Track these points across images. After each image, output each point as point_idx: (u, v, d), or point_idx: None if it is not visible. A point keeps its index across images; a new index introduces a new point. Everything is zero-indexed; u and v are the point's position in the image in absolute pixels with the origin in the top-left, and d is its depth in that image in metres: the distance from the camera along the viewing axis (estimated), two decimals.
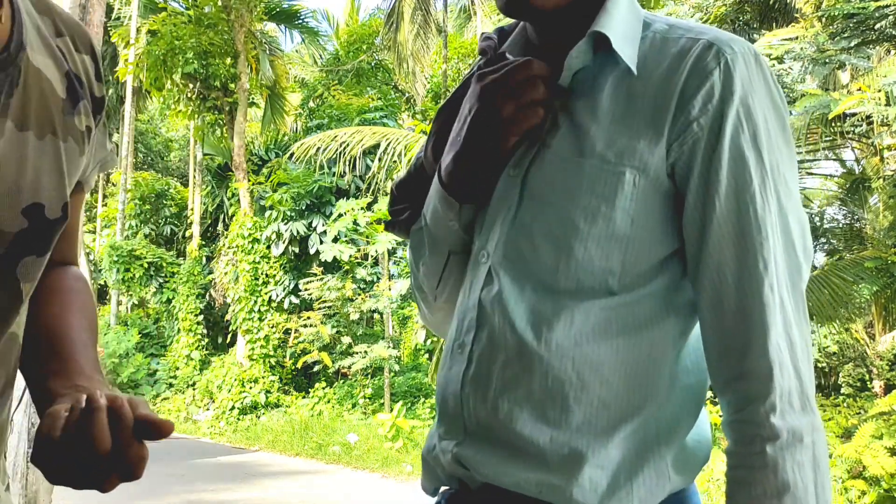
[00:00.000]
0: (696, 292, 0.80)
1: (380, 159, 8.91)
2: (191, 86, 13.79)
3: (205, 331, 14.50)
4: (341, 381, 12.00)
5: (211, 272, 14.99)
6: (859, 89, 6.22)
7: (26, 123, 0.77)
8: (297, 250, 12.11)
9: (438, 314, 1.02)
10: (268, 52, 14.76)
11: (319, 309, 11.22)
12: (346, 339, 10.90)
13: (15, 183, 0.76)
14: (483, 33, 0.97)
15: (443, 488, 0.93)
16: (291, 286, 12.10)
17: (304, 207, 11.94)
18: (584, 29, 0.83)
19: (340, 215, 11.31)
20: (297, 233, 11.82)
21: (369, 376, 11.22)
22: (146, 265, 15.05)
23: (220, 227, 16.05)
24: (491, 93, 0.82)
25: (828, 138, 7.20)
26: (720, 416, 0.80)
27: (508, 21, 0.97)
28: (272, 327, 12.32)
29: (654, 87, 0.78)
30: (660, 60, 0.80)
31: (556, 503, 0.77)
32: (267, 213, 12.20)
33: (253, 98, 15.12)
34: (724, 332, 0.77)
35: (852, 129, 6.57)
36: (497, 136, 0.83)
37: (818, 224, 10.87)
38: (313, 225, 11.92)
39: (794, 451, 0.72)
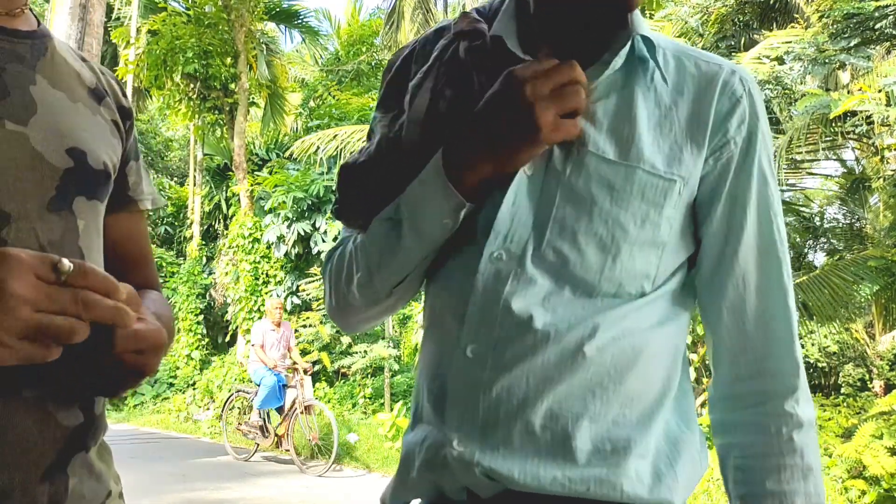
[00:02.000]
0: (712, 295, 0.85)
1: None
2: (191, 85, 13.78)
3: (205, 331, 14.50)
4: (341, 381, 12.00)
5: (211, 272, 14.98)
6: (860, 89, 6.22)
7: (58, 85, 0.87)
8: (298, 251, 12.10)
9: (375, 310, 0.93)
10: (265, 52, 14.75)
11: (319, 309, 11.21)
12: (346, 339, 10.90)
13: (54, 123, 0.84)
14: (465, 12, 0.90)
15: (415, 501, 0.89)
16: (293, 287, 12.09)
17: (305, 208, 11.92)
18: (594, 28, 0.84)
19: None
20: (303, 232, 11.80)
21: (369, 376, 11.21)
22: None
23: (219, 227, 16.04)
24: (529, 95, 0.75)
25: (828, 138, 7.19)
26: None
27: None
28: None
29: (687, 102, 0.83)
30: (681, 76, 0.85)
31: (606, 498, 0.77)
32: (267, 219, 12.18)
33: (253, 98, 15.11)
34: (744, 333, 0.84)
35: (853, 129, 6.57)
36: (529, 144, 0.76)
37: (818, 224, 10.87)
38: (317, 225, 11.90)
39: (811, 437, 0.82)
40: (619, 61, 0.81)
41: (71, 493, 0.82)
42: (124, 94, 0.99)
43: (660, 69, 0.83)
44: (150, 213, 17.31)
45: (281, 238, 12.01)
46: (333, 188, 12.08)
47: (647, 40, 0.83)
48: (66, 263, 0.66)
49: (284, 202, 11.76)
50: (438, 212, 0.82)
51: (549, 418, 0.78)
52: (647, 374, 0.81)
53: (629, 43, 0.82)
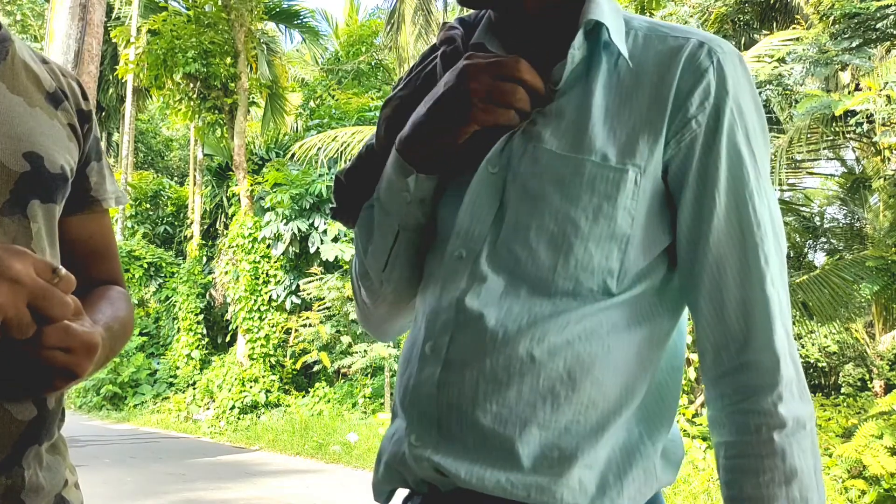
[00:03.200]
0: (690, 287, 0.79)
1: None
2: (191, 85, 13.79)
3: (205, 330, 14.51)
4: (341, 381, 12.01)
5: (211, 272, 14.99)
6: (857, 87, 6.22)
7: (16, 90, 0.89)
8: (297, 250, 12.11)
9: (382, 308, 0.97)
10: (265, 51, 14.75)
11: (319, 309, 11.22)
12: (346, 339, 10.91)
13: (11, 128, 0.86)
14: (445, 23, 0.94)
15: (400, 491, 0.89)
16: (293, 286, 12.10)
17: (304, 207, 11.93)
18: (560, 22, 0.83)
19: None
20: (298, 231, 11.80)
21: (369, 376, 11.22)
22: (146, 265, 15.06)
23: (220, 226, 16.06)
24: (471, 76, 0.79)
25: (828, 138, 7.20)
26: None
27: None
28: (272, 327, 12.33)
29: (647, 84, 0.78)
30: (647, 58, 0.79)
31: None
32: (266, 216, 12.19)
33: (253, 98, 15.11)
34: (723, 325, 0.77)
35: (853, 128, 6.57)
36: (460, 119, 0.79)
37: (818, 224, 10.88)
38: (315, 224, 11.91)
39: (799, 438, 0.74)
40: (577, 54, 0.79)
41: (27, 484, 0.84)
42: (85, 98, 1.02)
43: (623, 54, 0.79)
44: (151, 213, 17.33)
45: (278, 236, 12.02)
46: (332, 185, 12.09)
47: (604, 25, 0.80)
48: (62, 270, 0.71)
49: (283, 200, 11.77)
50: (397, 186, 0.86)
51: (498, 422, 0.76)
52: (605, 381, 0.77)
53: (583, 32, 0.79)
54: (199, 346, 14.17)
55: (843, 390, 10.45)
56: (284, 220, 11.94)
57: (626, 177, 0.76)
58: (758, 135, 0.79)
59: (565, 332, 0.77)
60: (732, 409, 0.77)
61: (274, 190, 12.05)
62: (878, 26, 6.65)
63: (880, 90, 5.97)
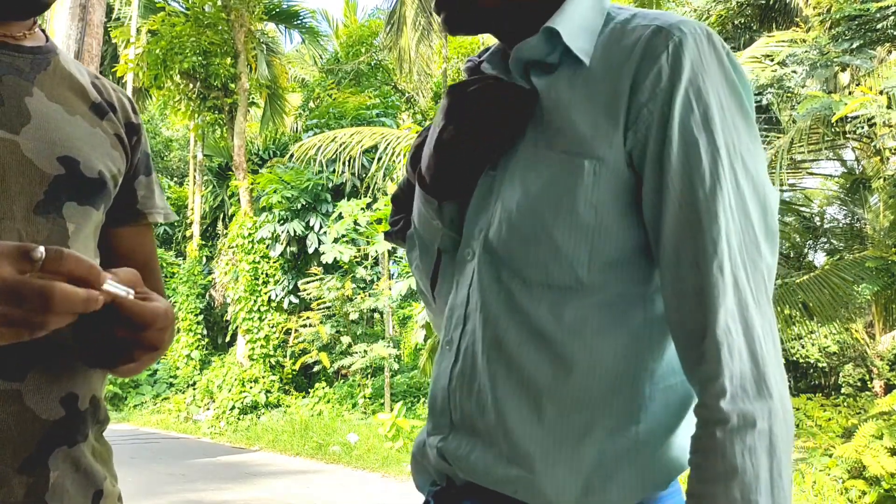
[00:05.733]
0: (661, 279, 0.77)
1: (378, 159, 8.93)
2: (191, 85, 13.79)
3: (205, 330, 14.51)
4: (341, 381, 12.01)
5: (211, 272, 14.99)
6: (861, 92, 6.22)
7: (55, 98, 0.92)
8: (294, 250, 12.11)
9: (441, 317, 1.04)
10: (265, 52, 14.76)
11: (318, 309, 11.22)
12: (346, 339, 10.90)
13: (47, 133, 0.89)
14: (468, 58, 1.01)
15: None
16: (291, 286, 12.10)
17: (299, 207, 11.92)
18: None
19: (340, 216, 11.30)
20: (294, 232, 11.80)
21: (369, 376, 11.22)
22: None
23: (219, 226, 16.05)
24: (454, 110, 0.87)
25: (828, 139, 7.20)
26: None
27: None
28: (272, 327, 12.33)
29: (610, 76, 0.79)
30: (615, 49, 0.80)
31: (530, 502, 0.77)
32: (263, 216, 12.19)
33: (253, 98, 15.11)
34: (684, 315, 0.74)
35: (853, 130, 6.57)
36: (458, 150, 0.88)
37: (818, 224, 10.88)
38: (311, 224, 11.91)
39: (745, 436, 0.69)
40: (527, 54, 0.84)
41: (52, 486, 0.83)
42: (135, 112, 1.06)
43: (582, 59, 0.81)
44: None
45: (276, 237, 12.01)
46: (326, 183, 12.10)
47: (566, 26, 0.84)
48: (39, 251, 0.65)
49: (280, 202, 11.76)
50: (427, 215, 0.95)
51: (488, 414, 0.81)
52: (593, 383, 0.77)
53: (540, 37, 0.83)
54: (198, 346, 14.17)
55: (843, 390, 10.45)
56: (280, 221, 11.94)
57: (582, 169, 0.77)
58: (724, 116, 0.75)
59: (548, 326, 0.78)
60: (696, 404, 0.74)
61: (271, 188, 12.04)
62: (878, 27, 6.66)
63: (879, 93, 5.96)
